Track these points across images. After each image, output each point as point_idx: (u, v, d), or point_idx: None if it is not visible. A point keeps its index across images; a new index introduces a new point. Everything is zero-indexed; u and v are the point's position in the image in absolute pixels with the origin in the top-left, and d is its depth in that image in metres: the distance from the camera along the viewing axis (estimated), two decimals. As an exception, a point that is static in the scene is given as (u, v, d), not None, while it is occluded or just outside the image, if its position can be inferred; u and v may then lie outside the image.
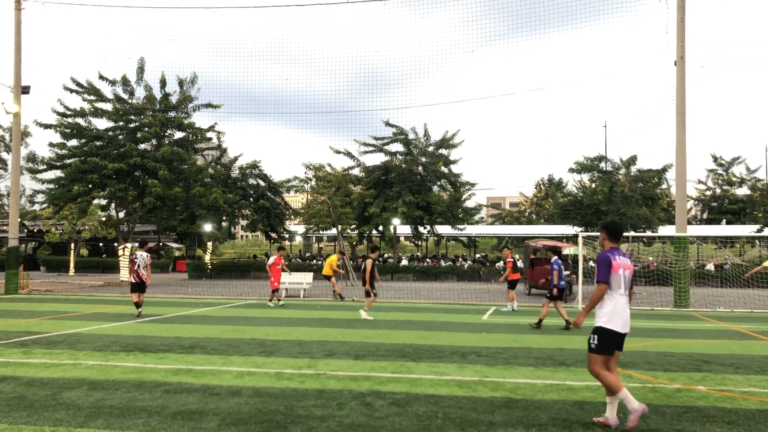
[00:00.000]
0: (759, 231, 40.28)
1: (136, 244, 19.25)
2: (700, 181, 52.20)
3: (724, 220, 49.43)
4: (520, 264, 30.92)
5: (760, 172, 50.76)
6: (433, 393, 7.22)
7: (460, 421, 6.03)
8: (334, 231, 38.87)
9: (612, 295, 5.87)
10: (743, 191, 50.14)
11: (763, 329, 14.26)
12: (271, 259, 19.87)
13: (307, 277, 23.97)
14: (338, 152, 40.94)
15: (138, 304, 16.11)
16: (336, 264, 22.46)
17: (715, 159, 51.25)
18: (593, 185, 38.66)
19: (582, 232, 27.22)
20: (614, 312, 5.82)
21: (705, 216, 51.62)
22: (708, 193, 51.73)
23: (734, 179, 50.32)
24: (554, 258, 14.57)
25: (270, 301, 19.30)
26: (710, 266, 37.81)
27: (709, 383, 7.93)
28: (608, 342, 5.82)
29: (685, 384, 7.87)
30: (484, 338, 12.12)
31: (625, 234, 27.32)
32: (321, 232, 42.72)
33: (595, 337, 5.86)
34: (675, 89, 20.69)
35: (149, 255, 16.57)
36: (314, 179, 35.22)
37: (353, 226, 40.08)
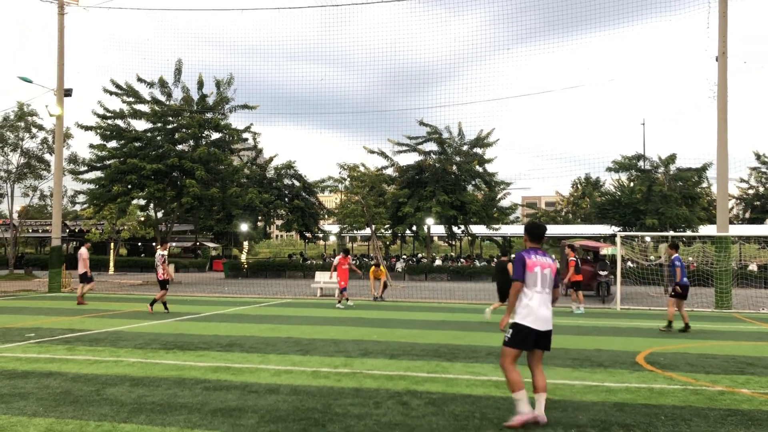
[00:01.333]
0: None
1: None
2: (742, 180, 50.76)
3: (767, 220, 48.09)
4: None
5: (805, 170, 49.17)
6: (470, 393, 7.20)
7: (498, 422, 6.00)
8: (368, 231, 39.00)
9: (527, 293, 6.00)
10: None
11: (810, 332, 13.85)
12: (336, 260, 20.00)
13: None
14: (372, 152, 40.94)
15: (164, 303, 16.52)
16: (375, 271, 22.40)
17: (758, 156, 49.84)
18: (631, 184, 38.00)
19: (620, 231, 26.78)
20: (529, 308, 5.95)
21: (747, 215, 50.25)
22: (750, 191, 50.35)
23: (779, 177, 48.89)
24: (675, 255, 13.76)
25: (347, 300, 19.31)
26: (753, 266, 36.84)
27: (753, 386, 7.74)
28: (522, 338, 5.94)
29: (728, 387, 7.70)
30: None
31: (663, 234, 26.63)
32: (355, 231, 42.88)
33: (510, 331, 6.01)
34: (716, 85, 20.22)
35: (162, 254, 16.95)
36: (348, 179, 35.39)
37: (387, 226, 40.12)
